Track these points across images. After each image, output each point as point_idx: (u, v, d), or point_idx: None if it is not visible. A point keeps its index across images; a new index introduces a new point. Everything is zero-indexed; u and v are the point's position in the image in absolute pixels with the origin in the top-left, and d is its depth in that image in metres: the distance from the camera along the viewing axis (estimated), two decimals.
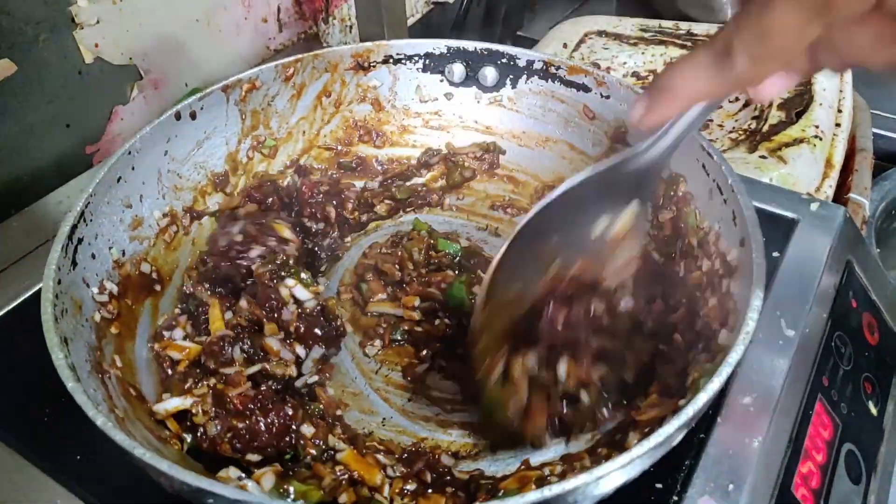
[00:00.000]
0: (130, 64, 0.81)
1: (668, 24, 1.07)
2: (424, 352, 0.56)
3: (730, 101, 0.94)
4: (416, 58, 0.70)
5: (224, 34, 0.91)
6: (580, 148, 0.67)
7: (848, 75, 0.96)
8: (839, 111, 0.90)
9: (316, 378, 0.53)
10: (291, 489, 0.42)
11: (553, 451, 0.49)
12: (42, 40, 0.71)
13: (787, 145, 0.82)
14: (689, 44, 1.02)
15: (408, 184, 0.72)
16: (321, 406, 0.51)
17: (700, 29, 1.04)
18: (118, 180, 0.56)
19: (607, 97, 0.63)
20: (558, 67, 0.65)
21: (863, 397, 0.59)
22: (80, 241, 0.51)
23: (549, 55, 0.66)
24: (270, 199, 0.64)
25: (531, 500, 0.33)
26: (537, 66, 0.66)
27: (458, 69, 0.70)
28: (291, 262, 0.57)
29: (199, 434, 0.47)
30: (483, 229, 0.69)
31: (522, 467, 0.48)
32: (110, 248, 0.55)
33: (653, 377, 0.50)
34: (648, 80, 0.98)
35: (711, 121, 0.92)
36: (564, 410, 0.47)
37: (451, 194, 0.72)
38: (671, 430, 0.35)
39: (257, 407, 0.46)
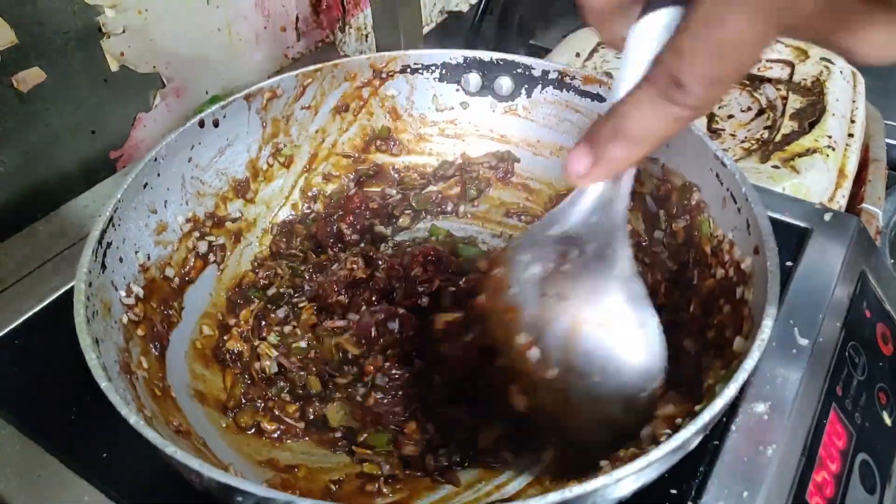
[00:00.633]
0: (154, 72, 0.83)
1: None
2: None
3: (742, 111, 0.95)
4: (433, 67, 0.71)
5: (244, 43, 0.92)
6: None
7: (861, 86, 0.97)
8: (852, 121, 0.90)
9: None
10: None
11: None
12: (70, 49, 0.73)
13: (800, 155, 0.82)
14: None
15: (423, 192, 0.73)
16: None
17: None
18: (144, 186, 0.58)
19: None
20: (573, 77, 0.66)
21: (877, 407, 0.59)
22: (108, 245, 0.52)
23: (563, 65, 0.67)
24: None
25: (552, 501, 0.33)
26: (552, 75, 0.67)
27: (473, 79, 0.71)
28: None
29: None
30: (498, 236, 0.70)
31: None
32: (136, 253, 0.56)
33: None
34: None
35: (724, 130, 0.92)
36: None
37: (465, 203, 0.73)
38: (688, 435, 0.36)
39: None
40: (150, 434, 0.37)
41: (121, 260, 0.54)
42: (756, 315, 0.43)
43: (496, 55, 0.69)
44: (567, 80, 0.67)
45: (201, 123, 0.62)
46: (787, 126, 0.88)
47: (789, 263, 0.63)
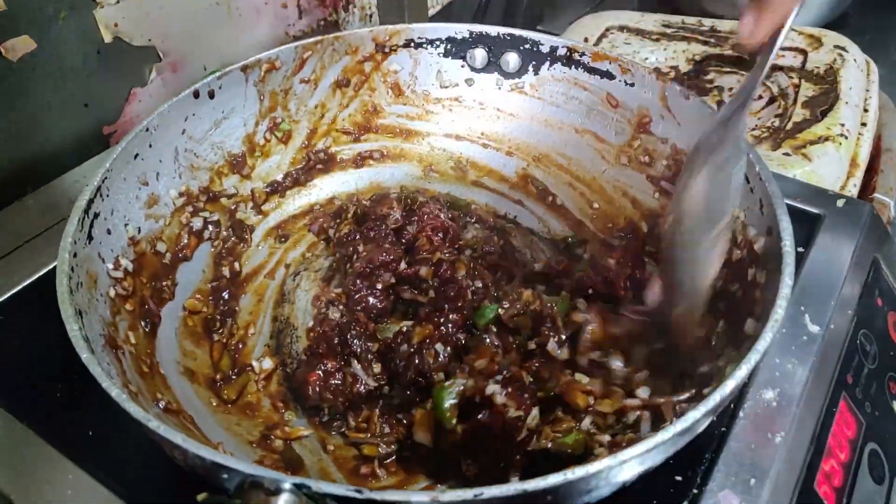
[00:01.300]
0: (149, 45, 0.80)
1: (691, 20, 1.05)
2: None
3: (753, 100, 0.93)
4: (438, 42, 0.69)
5: (244, 19, 0.90)
6: (602, 136, 0.66)
7: (874, 75, 0.94)
8: (865, 110, 0.88)
9: None
10: None
11: None
12: (62, 18, 0.71)
13: (812, 143, 0.80)
14: (712, 40, 1.01)
15: None
16: None
17: (724, 26, 1.03)
18: (135, 157, 0.56)
19: (632, 84, 0.62)
20: (582, 54, 0.64)
21: (887, 397, 0.58)
22: (96, 215, 0.50)
23: (573, 41, 0.65)
24: None
25: (554, 482, 0.32)
26: (561, 52, 0.65)
27: (479, 54, 0.69)
28: None
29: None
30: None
31: None
32: (126, 225, 0.54)
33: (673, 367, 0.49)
34: (671, 77, 0.97)
35: None
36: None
37: None
38: (698, 416, 0.34)
39: None
40: (131, 408, 0.35)
41: (109, 231, 0.52)
42: (769, 296, 0.42)
43: (503, 30, 0.67)
44: (576, 56, 0.65)
45: (196, 94, 0.61)
46: (799, 114, 0.86)
47: (801, 249, 0.61)
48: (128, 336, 0.49)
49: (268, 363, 0.56)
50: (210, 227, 0.63)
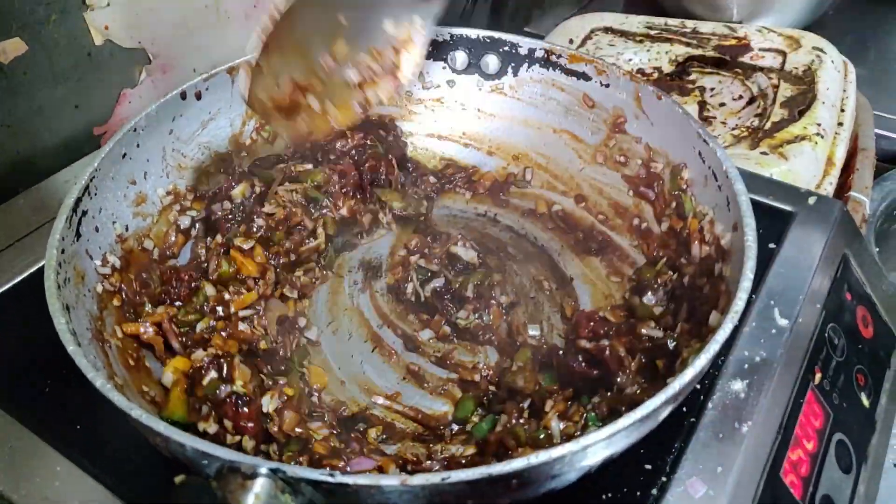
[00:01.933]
0: (139, 47, 0.82)
1: (674, 22, 1.07)
2: None
3: (733, 100, 0.95)
4: None
5: (232, 21, 0.91)
6: (579, 135, 0.68)
7: (852, 76, 0.96)
8: (842, 110, 0.90)
9: None
10: None
11: None
12: (52, 20, 0.72)
13: (789, 142, 0.82)
14: (694, 41, 1.03)
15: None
16: None
17: (706, 27, 1.05)
18: (123, 156, 0.57)
19: (607, 85, 0.64)
20: (559, 56, 0.66)
21: (855, 389, 0.59)
22: (84, 213, 0.52)
23: (550, 44, 0.67)
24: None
25: (517, 466, 0.33)
26: (539, 54, 0.67)
27: (460, 56, 0.70)
28: None
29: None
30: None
31: None
32: (114, 223, 0.56)
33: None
34: (653, 77, 0.98)
35: (714, 118, 0.92)
36: None
37: None
38: (657, 403, 0.36)
39: None
40: (115, 397, 0.36)
41: (97, 229, 0.53)
42: (733, 289, 0.43)
43: (483, 32, 0.69)
44: (553, 58, 0.66)
45: (183, 95, 0.62)
46: (778, 114, 0.87)
47: (772, 245, 0.63)
48: (115, 330, 0.50)
49: None
50: (197, 226, 0.64)
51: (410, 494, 0.33)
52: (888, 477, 0.60)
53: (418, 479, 0.33)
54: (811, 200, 0.67)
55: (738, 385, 0.52)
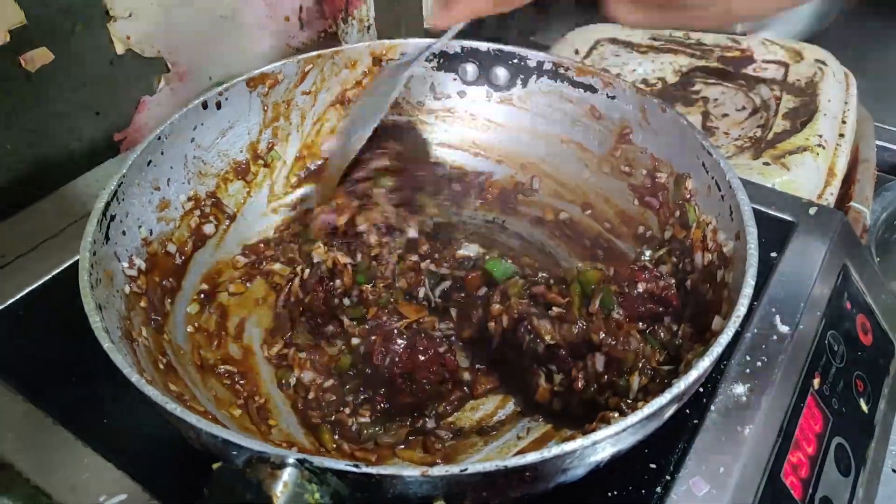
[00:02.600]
0: (159, 56, 0.84)
1: (678, 33, 1.09)
2: None
3: (737, 111, 0.97)
4: (431, 56, 0.73)
5: (248, 30, 0.94)
6: (586, 146, 0.70)
7: (853, 88, 0.98)
8: (843, 122, 0.92)
9: None
10: None
11: None
12: (77, 31, 0.75)
13: (790, 153, 0.84)
14: (697, 52, 1.05)
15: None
16: None
17: (710, 39, 1.07)
18: (148, 163, 0.59)
19: (613, 98, 0.66)
20: (567, 68, 0.68)
21: (854, 395, 0.61)
22: (112, 217, 0.54)
23: (558, 56, 0.69)
24: None
25: (530, 460, 0.35)
26: (547, 66, 0.69)
27: (471, 68, 0.73)
28: None
29: None
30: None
31: None
32: (139, 227, 0.58)
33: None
34: (657, 88, 1.01)
35: (717, 129, 0.94)
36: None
37: None
38: (663, 402, 0.38)
39: None
40: (150, 391, 0.39)
41: (124, 233, 0.55)
42: (735, 295, 0.45)
43: (493, 45, 0.71)
44: (561, 70, 0.68)
45: (204, 105, 0.64)
46: (780, 125, 0.89)
47: (774, 254, 0.65)
48: (141, 330, 0.52)
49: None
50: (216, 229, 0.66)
51: (430, 485, 0.35)
52: (887, 482, 0.61)
53: (437, 471, 0.35)
54: (812, 210, 0.69)
55: (739, 389, 0.54)
